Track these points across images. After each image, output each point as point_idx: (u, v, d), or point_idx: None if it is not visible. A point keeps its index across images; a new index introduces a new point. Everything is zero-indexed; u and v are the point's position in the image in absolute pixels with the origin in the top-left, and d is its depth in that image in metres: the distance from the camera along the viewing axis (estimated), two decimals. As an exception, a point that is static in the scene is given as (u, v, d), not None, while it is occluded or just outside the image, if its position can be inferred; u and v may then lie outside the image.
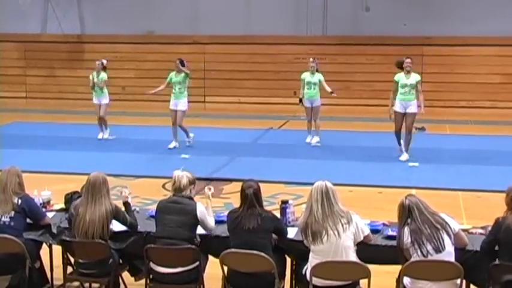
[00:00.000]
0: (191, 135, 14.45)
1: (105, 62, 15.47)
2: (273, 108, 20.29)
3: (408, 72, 12.75)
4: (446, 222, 5.56)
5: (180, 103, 13.95)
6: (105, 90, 15.33)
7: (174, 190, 6.19)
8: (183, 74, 13.92)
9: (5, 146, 14.03)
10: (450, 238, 5.51)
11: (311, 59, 14.87)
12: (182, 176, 6.20)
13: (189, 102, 14.37)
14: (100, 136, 15.39)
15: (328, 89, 14.54)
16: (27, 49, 22.67)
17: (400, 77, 12.79)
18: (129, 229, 6.33)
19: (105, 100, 15.31)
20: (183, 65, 13.95)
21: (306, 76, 14.68)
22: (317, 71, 14.69)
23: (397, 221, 5.68)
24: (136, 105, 20.65)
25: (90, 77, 15.41)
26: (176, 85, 13.94)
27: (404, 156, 12.95)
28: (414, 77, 12.79)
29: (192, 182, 6.24)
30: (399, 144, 13.09)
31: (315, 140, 14.82)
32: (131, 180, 11.50)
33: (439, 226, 5.50)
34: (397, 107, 12.83)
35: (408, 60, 12.78)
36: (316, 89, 14.59)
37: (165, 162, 12.54)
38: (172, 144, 14.11)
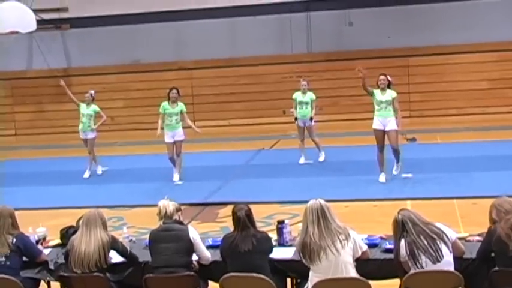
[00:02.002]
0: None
1: (93, 92, 15.01)
2: (263, 128, 20.33)
3: (383, 89, 12.29)
4: (443, 231, 5.55)
5: (177, 134, 13.51)
6: (92, 124, 14.72)
7: (163, 217, 6.18)
8: (179, 106, 13.52)
9: (-2, 184, 13.99)
10: (448, 247, 5.51)
11: (302, 80, 14.91)
12: (168, 203, 6.21)
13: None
14: (86, 175, 14.76)
15: (312, 114, 14.53)
16: (14, 86, 22.70)
17: (376, 92, 12.34)
18: (129, 259, 6.30)
19: (91, 134, 14.73)
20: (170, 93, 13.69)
21: (298, 96, 14.72)
22: (308, 90, 14.72)
23: (393, 236, 5.68)
24: (126, 134, 20.65)
25: (80, 108, 14.83)
26: (173, 116, 13.44)
27: (397, 169, 12.82)
28: (390, 93, 12.30)
29: (178, 209, 6.26)
30: (380, 165, 12.53)
31: (302, 160, 14.78)
32: (126, 211, 11.49)
33: (435, 236, 5.49)
34: (376, 124, 12.34)
35: (381, 77, 12.33)
36: (309, 108, 14.61)
37: (159, 191, 12.48)
38: (176, 177, 13.60)
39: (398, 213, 5.64)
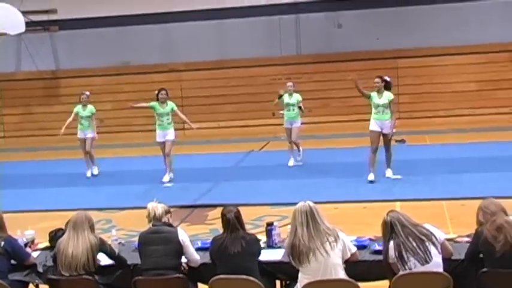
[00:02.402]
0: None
1: (88, 93, 14.97)
2: (252, 130, 20.35)
3: (379, 91, 12.42)
4: (431, 233, 5.57)
5: (168, 134, 13.61)
6: (92, 124, 14.88)
7: (152, 220, 6.17)
8: (169, 106, 13.61)
9: (-14, 187, 13.90)
10: (437, 248, 5.52)
11: (288, 83, 14.93)
12: (156, 206, 6.20)
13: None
14: (88, 174, 14.91)
15: (296, 110, 14.61)
16: (2, 88, 22.63)
17: (374, 95, 12.48)
18: (117, 262, 6.29)
19: (91, 134, 14.81)
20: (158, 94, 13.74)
21: (285, 98, 14.74)
22: (295, 92, 14.74)
23: (382, 238, 5.69)
24: (115, 137, 20.62)
25: (76, 110, 14.85)
26: (164, 116, 13.52)
27: (389, 172, 12.82)
28: (387, 96, 12.44)
29: (167, 212, 6.25)
30: (371, 166, 12.62)
31: (292, 162, 14.79)
32: (115, 213, 11.45)
33: (423, 238, 5.51)
34: (373, 126, 12.53)
35: (376, 79, 12.47)
36: (296, 110, 14.65)
37: (148, 193, 12.46)
38: (166, 178, 13.61)
39: (387, 214, 5.65)
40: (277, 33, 21.10)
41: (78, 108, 14.86)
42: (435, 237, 5.55)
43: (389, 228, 5.56)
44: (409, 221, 5.59)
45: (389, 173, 12.83)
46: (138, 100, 14.74)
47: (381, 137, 12.54)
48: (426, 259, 5.45)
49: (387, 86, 12.56)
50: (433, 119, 20.13)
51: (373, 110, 12.52)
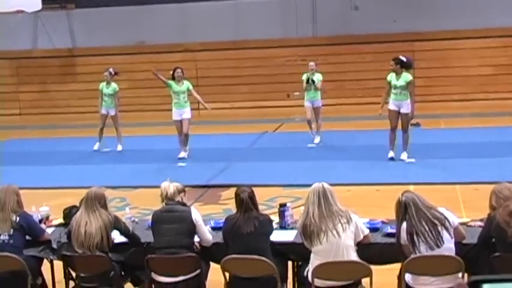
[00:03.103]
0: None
1: (112, 70, 15.19)
2: (266, 111, 20.33)
3: (396, 73, 12.45)
4: (445, 217, 5.55)
5: (185, 112, 13.77)
6: (115, 101, 15.17)
7: (164, 199, 6.21)
8: (185, 84, 13.75)
9: (1, 163, 14.02)
10: (449, 233, 5.51)
11: (311, 63, 14.93)
12: (168, 185, 6.23)
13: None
14: (96, 147, 15.29)
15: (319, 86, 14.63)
16: (19, 65, 22.69)
17: (392, 77, 12.53)
18: (131, 240, 6.34)
19: (113, 111, 15.13)
20: (174, 72, 13.83)
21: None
22: (316, 71, 14.77)
23: (395, 219, 5.70)
24: (130, 115, 20.60)
25: (100, 87, 15.18)
26: (180, 94, 13.70)
27: (404, 155, 12.81)
28: (404, 78, 12.45)
29: (180, 191, 6.26)
30: (391, 144, 12.83)
31: (316, 140, 14.86)
32: (129, 191, 11.53)
33: (436, 222, 5.50)
34: (391, 106, 12.65)
35: (391, 62, 12.53)
36: (317, 91, 14.69)
37: (162, 172, 12.49)
38: (182, 154, 13.90)
39: (402, 194, 5.63)
40: (293, 14, 21.00)
41: (102, 85, 15.16)
42: (448, 222, 5.53)
43: (403, 209, 5.55)
44: (423, 203, 5.57)
45: (404, 156, 12.83)
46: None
47: (400, 118, 12.60)
48: (438, 243, 5.44)
49: (405, 65, 12.53)
50: (449, 103, 20.02)
51: (392, 91, 12.61)
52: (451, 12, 19.92)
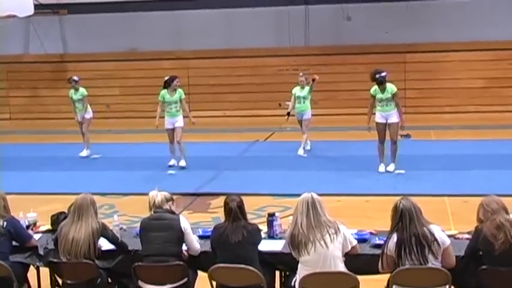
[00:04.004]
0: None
1: (76, 78, 15.37)
2: (258, 120, 20.32)
3: (379, 87, 12.44)
4: (435, 238, 5.49)
5: (177, 121, 13.67)
6: (85, 105, 15.32)
7: (152, 207, 6.20)
8: (178, 94, 13.64)
9: (-10, 168, 13.95)
10: (435, 255, 5.48)
11: (300, 74, 14.94)
12: (156, 194, 6.23)
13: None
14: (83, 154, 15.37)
15: (307, 102, 14.66)
16: (9, 70, 22.63)
17: (376, 91, 12.53)
18: (119, 247, 6.31)
19: (88, 115, 15.31)
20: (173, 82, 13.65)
21: (296, 91, 14.78)
22: (306, 84, 14.73)
23: (390, 222, 5.66)
24: (121, 122, 20.63)
25: (69, 94, 15.44)
26: (172, 104, 13.60)
27: (391, 167, 12.82)
28: (390, 90, 12.47)
29: (168, 199, 6.26)
30: (380, 156, 12.83)
31: (301, 151, 14.84)
32: (118, 198, 11.49)
33: (424, 242, 5.46)
34: (378, 118, 12.61)
35: (383, 73, 12.45)
36: (306, 103, 14.71)
37: (152, 179, 12.50)
38: (172, 162, 13.85)
39: (401, 201, 5.60)
40: (286, 23, 21.05)
41: (71, 92, 15.38)
42: (438, 244, 5.48)
43: (398, 217, 5.53)
44: (419, 217, 5.53)
45: (391, 167, 12.83)
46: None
47: (387, 129, 12.59)
48: (421, 262, 5.44)
49: (377, 82, 12.47)
50: (439, 115, 20.08)
51: (378, 104, 12.61)
52: (443, 25, 20.01)
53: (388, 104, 12.52)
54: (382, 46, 20.26)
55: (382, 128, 12.66)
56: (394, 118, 12.55)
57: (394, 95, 12.50)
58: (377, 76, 12.48)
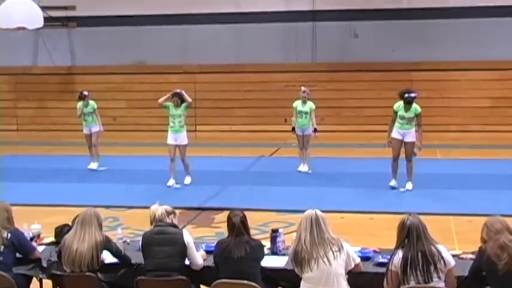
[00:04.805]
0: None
1: (87, 93, 15.52)
2: (264, 136, 20.32)
3: (408, 104, 12.44)
4: (442, 257, 5.49)
5: (180, 137, 13.39)
6: (96, 118, 15.49)
7: (153, 221, 6.21)
8: (182, 106, 13.35)
9: (-4, 179, 13.98)
10: (439, 275, 5.47)
11: (302, 88, 14.87)
12: (157, 208, 6.24)
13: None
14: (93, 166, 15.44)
15: (314, 124, 14.52)
16: (18, 81, 22.72)
17: (400, 108, 12.53)
18: (122, 261, 6.31)
19: (96, 128, 15.46)
20: (181, 97, 13.38)
21: (298, 105, 14.64)
22: (308, 99, 14.66)
23: (396, 239, 5.64)
24: (127, 135, 20.65)
25: (78, 106, 15.49)
26: (176, 118, 13.32)
27: (409, 185, 12.77)
28: (414, 110, 12.52)
29: (170, 213, 6.27)
30: (393, 173, 12.81)
31: (305, 168, 14.80)
32: (123, 211, 11.50)
33: (431, 260, 5.45)
34: (395, 134, 12.62)
35: (412, 94, 12.50)
36: (308, 118, 14.54)
37: (157, 193, 12.48)
38: (171, 182, 13.44)
39: (408, 218, 5.58)
40: (293, 40, 21.10)
41: (80, 105, 15.46)
42: (444, 262, 5.49)
43: (405, 234, 5.52)
44: (425, 233, 5.53)
45: (409, 185, 12.79)
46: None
47: (403, 147, 12.62)
48: (426, 280, 5.43)
49: (405, 100, 12.49)
50: (445, 134, 20.03)
51: (398, 120, 12.62)
52: (450, 44, 20.02)
53: (408, 122, 12.55)
54: (389, 64, 20.27)
55: (397, 144, 12.66)
56: (410, 137, 12.58)
57: (417, 115, 12.54)
58: (406, 96, 12.48)
